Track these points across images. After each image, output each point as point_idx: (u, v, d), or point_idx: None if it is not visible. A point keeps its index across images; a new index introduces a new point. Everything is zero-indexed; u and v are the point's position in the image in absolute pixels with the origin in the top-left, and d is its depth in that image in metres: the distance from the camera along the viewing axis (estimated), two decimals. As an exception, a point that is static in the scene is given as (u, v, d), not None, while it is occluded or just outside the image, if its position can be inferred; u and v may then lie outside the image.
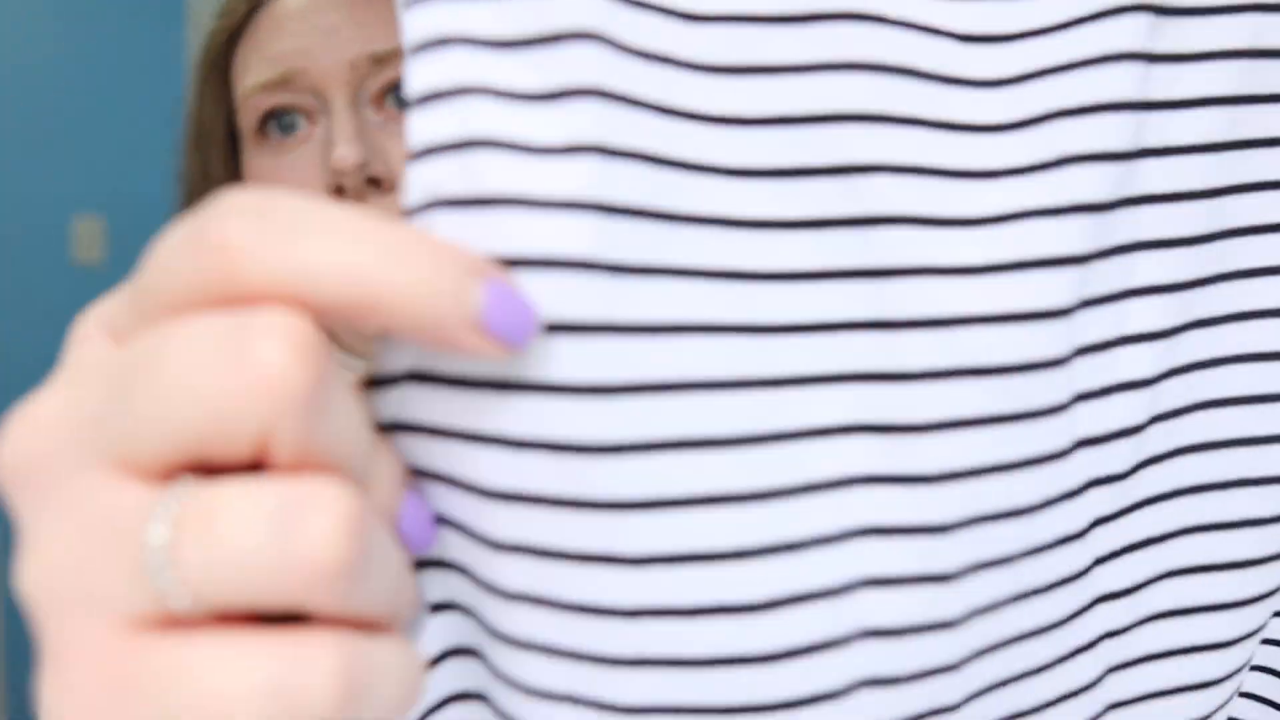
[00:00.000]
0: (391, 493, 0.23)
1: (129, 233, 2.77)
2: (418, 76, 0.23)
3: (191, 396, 0.19)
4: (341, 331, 0.64)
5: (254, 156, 0.65)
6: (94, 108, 2.72)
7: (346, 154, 0.60)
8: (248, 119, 0.65)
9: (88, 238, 2.73)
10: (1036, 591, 0.26)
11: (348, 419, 0.21)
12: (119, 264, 2.76)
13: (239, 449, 0.20)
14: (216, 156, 0.67)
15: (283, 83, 0.63)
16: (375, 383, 0.24)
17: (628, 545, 0.22)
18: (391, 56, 0.63)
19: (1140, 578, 0.28)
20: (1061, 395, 0.26)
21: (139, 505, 0.20)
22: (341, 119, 0.62)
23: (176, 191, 0.70)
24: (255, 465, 0.21)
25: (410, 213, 0.23)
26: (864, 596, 0.24)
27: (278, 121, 0.64)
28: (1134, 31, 0.26)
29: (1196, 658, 0.29)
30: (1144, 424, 0.27)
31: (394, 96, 0.63)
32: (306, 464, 0.20)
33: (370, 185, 0.62)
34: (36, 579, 0.20)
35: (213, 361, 0.19)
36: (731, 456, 0.23)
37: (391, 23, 0.64)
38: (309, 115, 0.64)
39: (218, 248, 0.20)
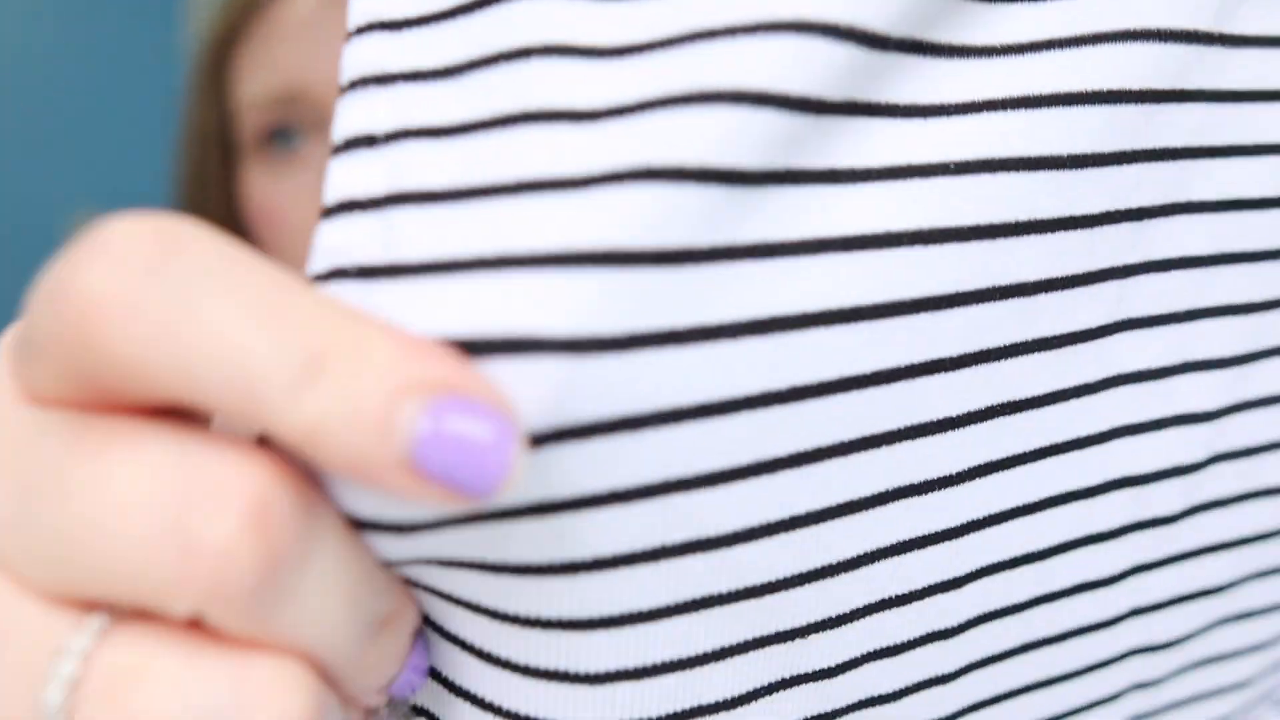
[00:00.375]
0: (384, 672, 0.18)
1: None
2: (339, 121, 0.19)
3: (116, 553, 0.15)
4: None
5: (253, 170, 0.63)
6: (93, 107, 2.71)
7: None
8: (248, 129, 0.63)
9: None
10: (1048, 641, 0.23)
11: (324, 599, 0.16)
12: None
13: (171, 616, 0.16)
14: (213, 160, 0.65)
15: (286, 97, 0.61)
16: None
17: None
18: None
19: (1189, 629, 0.25)
20: (1093, 427, 0.23)
21: (43, 637, 0.16)
22: None
23: (175, 190, 0.69)
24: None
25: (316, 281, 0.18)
26: (865, 669, 0.21)
27: (279, 135, 0.62)
28: None
29: (1216, 700, 0.27)
30: (1202, 463, 0.24)
31: None
32: (260, 642, 0.16)
33: None
34: None
35: (146, 522, 0.15)
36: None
37: None
38: (311, 132, 0.62)
39: (77, 310, 0.15)
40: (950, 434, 0.20)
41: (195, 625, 0.17)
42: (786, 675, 0.20)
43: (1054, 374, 0.21)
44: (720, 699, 0.20)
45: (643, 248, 0.17)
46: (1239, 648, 0.26)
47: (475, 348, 0.16)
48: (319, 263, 0.18)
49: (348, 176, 0.18)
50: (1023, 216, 0.20)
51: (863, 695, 0.21)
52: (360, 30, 0.20)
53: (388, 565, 0.18)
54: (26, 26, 2.67)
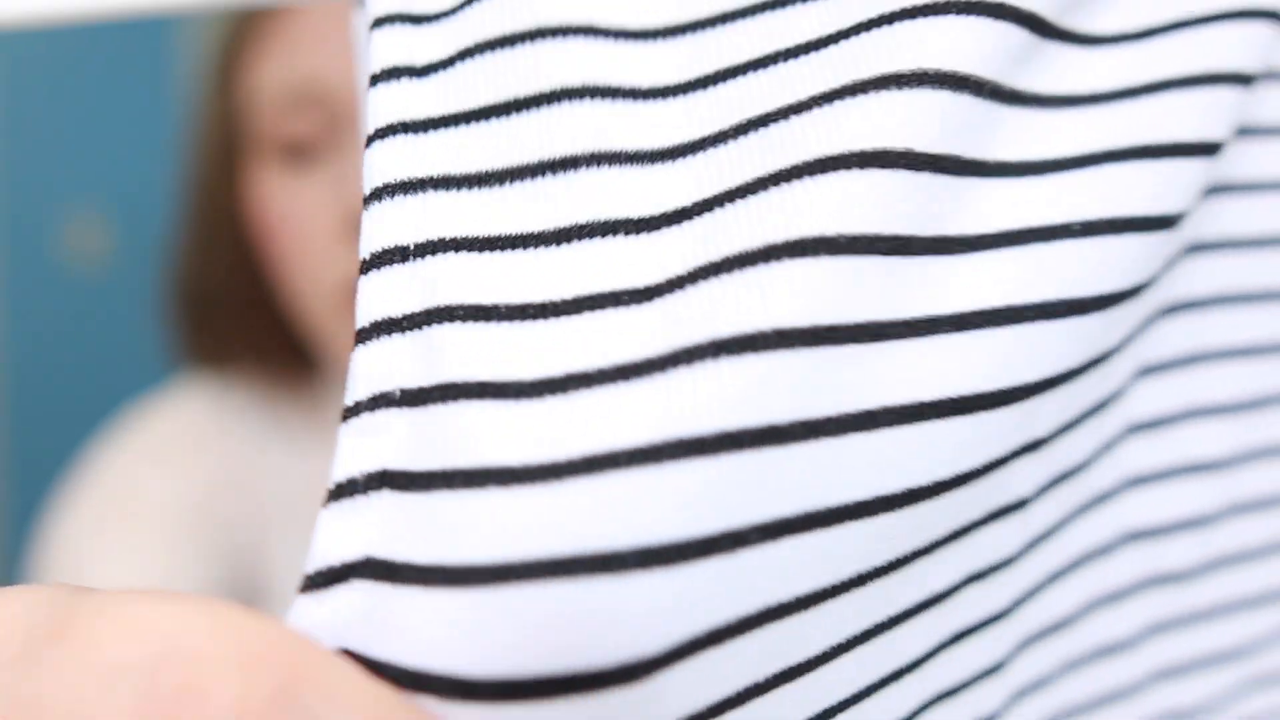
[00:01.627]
0: None
1: (129, 231, 2.75)
2: (367, 233, 0.18)
3: None
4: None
5: (266, 169, 0.62)
6: (93, 105, 2.70)
7: None
8: (264, 132, 0.62)
9: (88, 236, 2.71)
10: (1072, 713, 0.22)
11: None
12: (119, 264, 2.74)
13: None
14: (229, 157, 0.64)
15: (303, 100, 0.60)
16: None
17: None
18: None
19: (1220, 690, 0.24)
20: (1105, 483, 0.21)
21: None
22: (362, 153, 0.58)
23: (182, 189, 0.67)
24: None
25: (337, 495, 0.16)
26: None
27: (295, 144, 0.61)
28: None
29: None
30: (1216, 515, 0.22)
31: None
32: None
33: None
34: None
35: None
36: None
37: None
38: (325, 138, 0.61)
39: None
40: (1018, 513, 0.19)
41: None
42: None
43: (1095, 437, 0.21)
44: None
45: (745, 426, 0.15)
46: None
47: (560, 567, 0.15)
48: (359, 389, 0.17)
49: (382, 293, 0.17)
50: (1139, 280, 0.18)
51: None
52: (380, 77, 0.18)
53: None
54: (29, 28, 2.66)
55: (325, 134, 0.60)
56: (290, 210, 0.60)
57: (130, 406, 2.69)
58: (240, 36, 0.63)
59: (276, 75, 0.60)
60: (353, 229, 0.59)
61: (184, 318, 0.67)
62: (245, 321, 0.65)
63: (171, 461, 0.63)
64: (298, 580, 0.63)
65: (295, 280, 0.61)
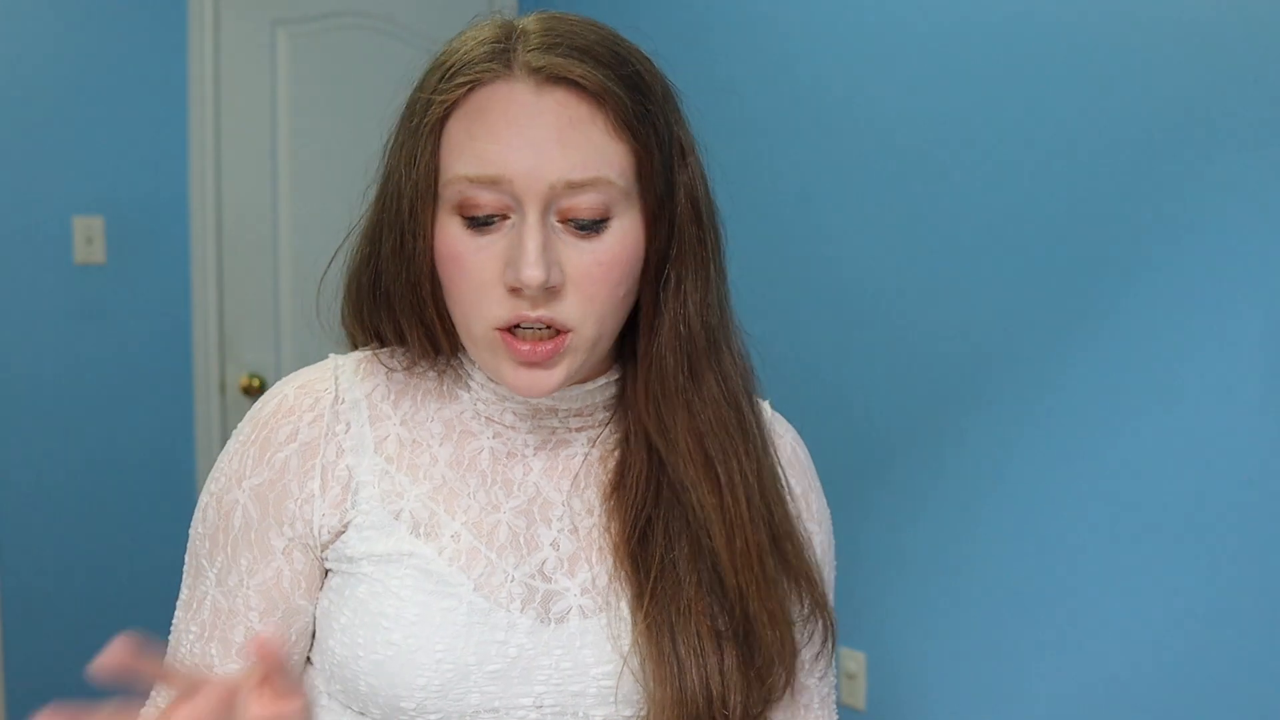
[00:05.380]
0: None
1: (129, 233, 2.76)
2: None
3: None
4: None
5: (448, 225, 0.79)
6: (94, 108, 2.72)
7: (534, 275, 0.74)
8: (452, 194, 0.78)
9: (88, 238, 2.73)
10: None
11: None
12: (119, 264, 2.76)
13: None
14: (424, 218, 0.79)
15: (489, 182, 0.76)
16: None
17: None
18: (586, 185, 0.76)
19: None
20: None
21: None
22: (532, 231, 0.75)
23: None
24: None
25: None
26: None
27: (477, 212, 0.77)
28: None
29: None
30: None
31: (574, 222, 0.76)
32: None
33: (545, 291, 0.76)
34: None
35: None
36: None
37: (591, 150, 0.76)
38: (503, 213, 0.77)
39: None
40: None
41: None
42: None
43: None
44: None
45: None
46: None
47: None
48: None
49: None
50: None
51: None
52: None
53: None
54: (31, 29, 2.68)
55: (502, 209, 0.77)
56: (461, 251, 0.78)
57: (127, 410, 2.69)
58: (449, 107, 0.78)
59: (470, 164, 0.77)
60: (516, 294, 0.76)
61: (360, 304, 0.86)
62: (405, 320, 0.84)
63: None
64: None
65: (464, 307, 0.79)
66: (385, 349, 0.88)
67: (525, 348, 0.77)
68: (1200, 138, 1.79)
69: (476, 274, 0.77)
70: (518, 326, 0.77)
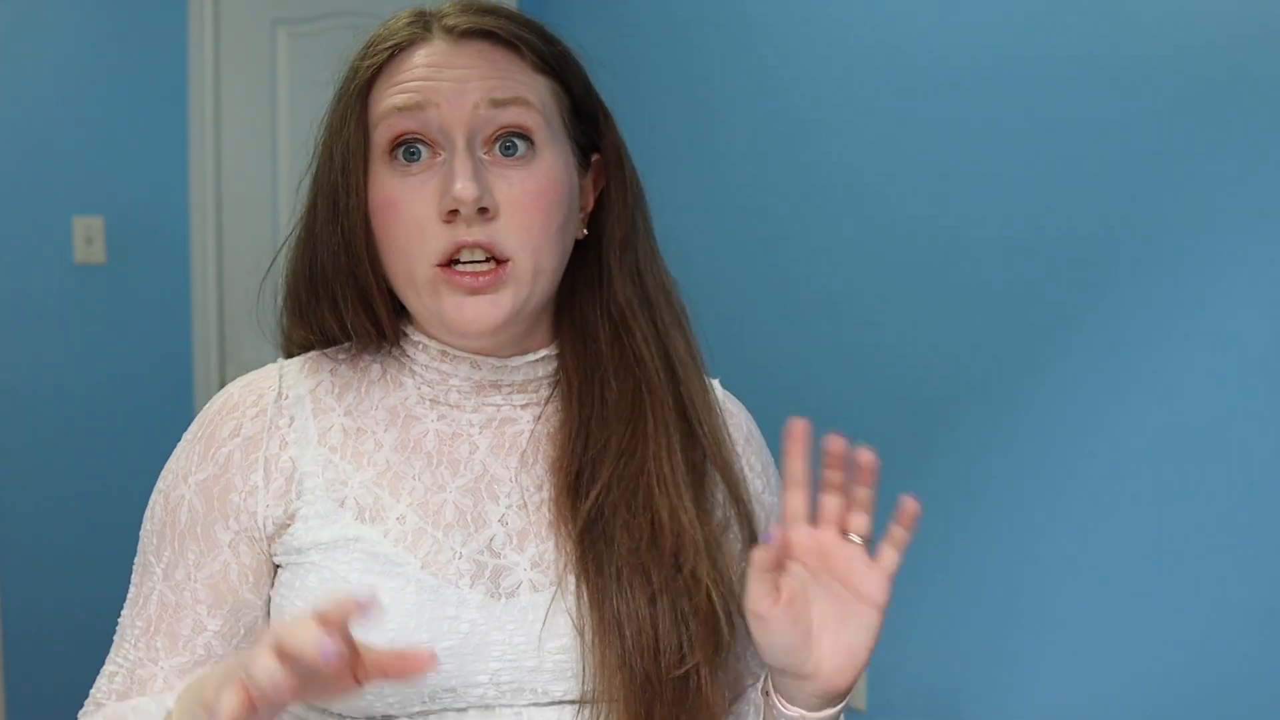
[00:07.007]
0: None
1: (129, 233, 2.76)
2: None
3: None
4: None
5: (381, 173, 0.81)
6: (94, 108, 2.71)
7: (466, 189, 0.77)
8: (380, 139, 0.81)
9: (88, 238, 2.73)
10: None
11: None
12: (119, 264, 2.76)
13: None
14: (356, 171, 0.81)
15: (415, 107, 0.80)
16: None
17: None
18: (507, 102, 0.79)
19: None
20: None
21: None
22: (461, 157, 0.78)
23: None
24: None
25: None
26: None
27: (405, 148, 0.80)
28: None
29: None
30: None
31: (500, 145, 0.80)
32: None
33: (480, 214, 0.78)
34: None
35: None
36: None
37: (510, 77, 0.81)
38: (432, 147, 0.80)
39: None
40: None
41: None
42: None
43: None
44: None
45: None
46: None
47: None
48: None
49: None
50: None
51: None
52: None
53: None
54: (32, 30, 2.67)
55: (430, 139, 0.80)
56: (395, 197, 0.80)
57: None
58: (374, 71, 0.82)
59: (395, 98, 0.80)
60: (452, 220, 0.78)
61: (299, 295, 0.87)
62: (343, 301, 0.84)
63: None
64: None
65: (403, 252, 0.80)
66: (331, 347, 0.90)
67: (466, 278, 0.79)
68: (1200, 138, 1.79)
69: (411, 213, 0.80)
70: (457, 262, 0.79)
